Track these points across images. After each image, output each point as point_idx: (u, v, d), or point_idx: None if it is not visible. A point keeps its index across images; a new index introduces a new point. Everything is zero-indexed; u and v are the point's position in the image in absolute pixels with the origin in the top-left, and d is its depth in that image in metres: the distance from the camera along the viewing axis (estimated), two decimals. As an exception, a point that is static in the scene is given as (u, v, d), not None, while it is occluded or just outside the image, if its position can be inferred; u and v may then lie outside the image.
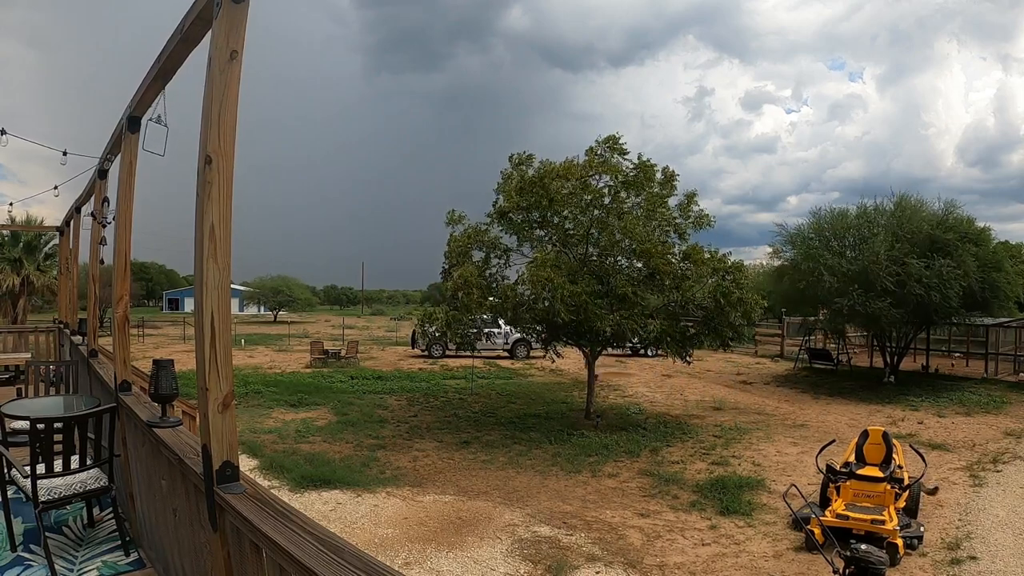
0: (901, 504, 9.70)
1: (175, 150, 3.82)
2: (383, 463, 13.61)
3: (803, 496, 9.22)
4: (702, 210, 17.34)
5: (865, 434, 11.01)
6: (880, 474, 9.90)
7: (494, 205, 17.38)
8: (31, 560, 4.55)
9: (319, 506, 10.91)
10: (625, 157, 16.98)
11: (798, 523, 9.21)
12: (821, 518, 9.07)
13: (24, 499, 4.67)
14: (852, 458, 10.73)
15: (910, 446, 11.58)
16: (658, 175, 17.00)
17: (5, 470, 4.82)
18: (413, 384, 23.59)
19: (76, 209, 9.73)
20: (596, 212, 16.67)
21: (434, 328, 17.62)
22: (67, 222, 11.65)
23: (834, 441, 12.05)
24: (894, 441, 10.83)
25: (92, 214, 6.45)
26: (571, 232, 16.74)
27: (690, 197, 17.32)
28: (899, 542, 8.68)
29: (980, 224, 21.92)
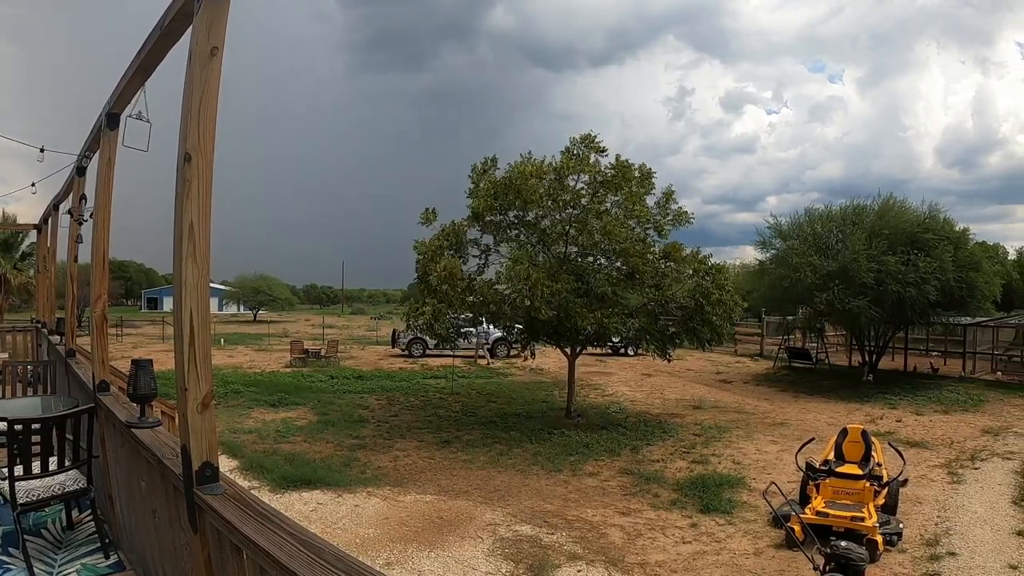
0: (880, 501, 9.77)
1: (154, 147, 3.79)
2: (364, 463, 13.56)
3: (783, 494, 9.27)
4: (680, 207, 17.40)
5: (844, 432, 11.10)
6: (859, 472, 9.98)
7: (470, 209, 17.31)
8: (10, 564, 4.50)
9: (300, 507, 10.86)
10: (603, 155, 17.02)
11: (778, 520, 9.26)
12: (801, 515, 9.12)
13: (2, 501, 4.62)
14: (831, 456, 10.80)
15: (889, 444, 11.68)
16: (635, 173, 17.01)
17: (-18, 472, 4.77)
18: (393, 383, 23.57)
19: (54, 207, 9.61)
20: (575, 211, 16.67)
21: (422, 322, 17.59)
22: (45, 220, 11.53)
23: (813, 439, 12.13)
24: (873, 439, 10.92)
25: (70, 212, 6.39)
26: (549, 231, 16.72)
27: (668, 195, 17.35)
28: (879, 539, 8.75)
29: (959, 226, 22.28)
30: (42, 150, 10.37)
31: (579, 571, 8.66)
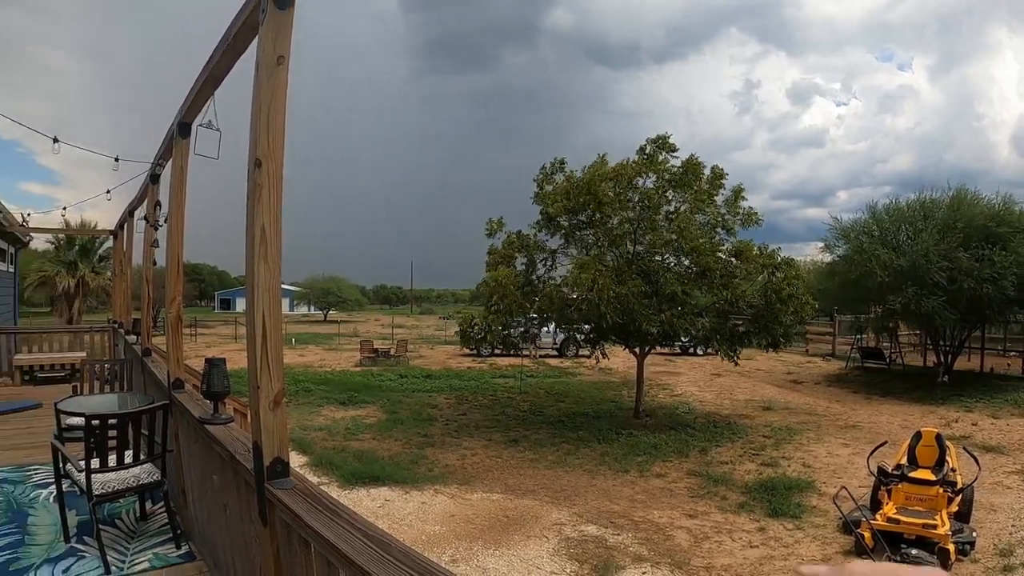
0: (954, 508, 9.45)
1: (224, 154, 3.90)
2: (431, 461, 13.71)
3: (854, 499, 9.10)
4: (750, 207, 17.13)
5: (918, 435, 10.79)
6: (932, 477, 9.69)
7: (541, 213, 17.34)
8: (84, 551, 4.68)
9: (368, 503, 11.03)
10: (673, 155, 16.87)
11: (848, 526, 9.08)
12: (872, 521, 8.92)
13: (79, 492, 4.80)
14: (904, 460, 10.52)
15: (964, 448, 11.33)
16: (706, 172, 16.83)
17: (61, 464, 4.98)
18: (462, 383, 23.70)
19: (129, 213, 9.98)
20: (645, 211, 16.56)
21: (475, 333, 17.77)
22: (120, 225, 11.94)
23: (886, 442, 11.83)
24: (947, 443, 10.60)
25: (145, 217, 6.61)
26: (617, 232, 16.64)
27: (737, 193, 17.08)
28: (951, 547, 8.48)
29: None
30: (117, 159, 10.71)
31: (644, 573, 8.61)
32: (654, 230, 16.14)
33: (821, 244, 24.53)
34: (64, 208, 19.71)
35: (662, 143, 16.92)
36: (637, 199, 16.63)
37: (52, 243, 34.76)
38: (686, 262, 16.51)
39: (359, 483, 11.98)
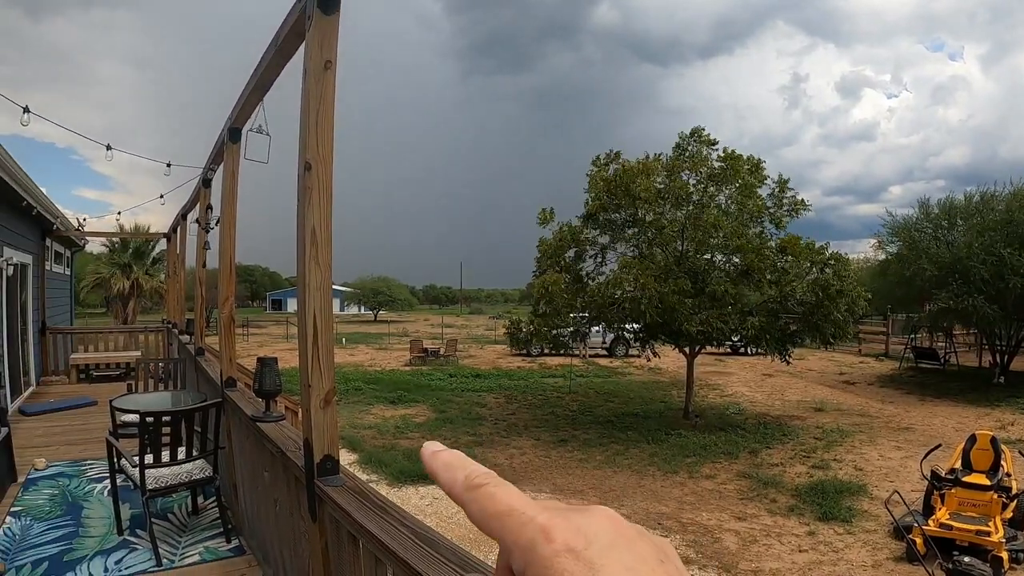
0: (1008, 515, 9.18)
1: (274, 158, 3.98)
2: (480, 460, 13.06)
3: (906, 503, 8.92)
4: (795, 194, 16.84)
5: (972, 439, 10.52)
6: (987, 482, 9.43)
7: (585, 205, 17.31)
8: (136, 544, 4.83)
9: (416, 500, 11.12)
10: (713, 148, 16.71)
11: (899, 532, 8.90)
12: (924, 527, 8.73)
13: (132, 487, 4.95)
14: (958, 464, 10.26)
15: (1020, 452, 11.04)
16: (745, 165, 16.59)
17: (116, 460, 5.13)
18: (511, 382, 23.70)
19: (182, 216, 10.22)
20: (689, 207, 16.42)
21: (523, 336, 17.78)
22: (174, 228, 12.23)
23: (940, 446, 11.56)
24: (1003, 447, 10.32)
25: (197, 220, 6.77)
26: (664, 229, 16.48)
27: (782, 184, 16.79)
28: (1004, 555, 8.22)
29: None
30: (169, 164, 10.96)
31: None
32: (697, 228, 15.95)
33: (874, 241, 24.11)
34: (119, 212, 20.11)
35: (698, 137, 16.76)
36: (678, 196, 16.44)
37: (107, 246, 35.60)
38: (735, 259, 16.29)
39: (408, 481, 12.07)
